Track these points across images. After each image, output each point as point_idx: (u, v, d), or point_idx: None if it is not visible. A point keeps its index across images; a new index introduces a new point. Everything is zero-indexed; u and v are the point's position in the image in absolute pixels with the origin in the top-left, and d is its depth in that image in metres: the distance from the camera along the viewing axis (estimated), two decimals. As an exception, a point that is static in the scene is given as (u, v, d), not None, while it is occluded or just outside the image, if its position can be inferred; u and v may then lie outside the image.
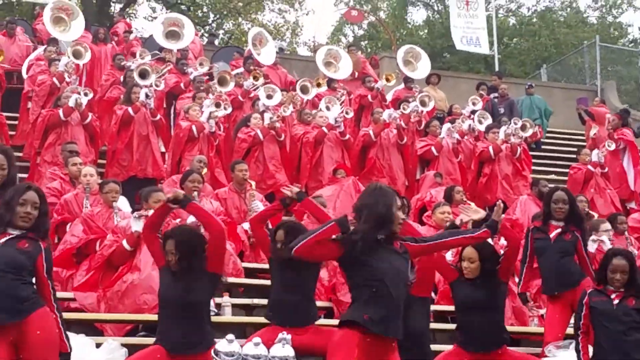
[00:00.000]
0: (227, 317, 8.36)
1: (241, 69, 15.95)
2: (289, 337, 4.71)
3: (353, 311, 5.03)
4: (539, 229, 8.18)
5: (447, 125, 13.93)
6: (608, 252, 7.02)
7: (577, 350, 6.75)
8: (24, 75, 14.77)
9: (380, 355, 5.01)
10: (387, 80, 16.07)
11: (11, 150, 7.07)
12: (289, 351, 4.64)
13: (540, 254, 8.15)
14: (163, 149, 12.49)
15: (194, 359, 5.46)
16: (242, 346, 4.65)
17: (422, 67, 17.06)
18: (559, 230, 8.00)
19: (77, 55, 13.78)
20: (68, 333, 6.21)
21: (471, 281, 6.93)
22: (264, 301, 8.71)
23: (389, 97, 16.45)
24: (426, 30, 38.80)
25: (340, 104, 14.29)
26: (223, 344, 4.61)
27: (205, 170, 10.96)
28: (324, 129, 13.16)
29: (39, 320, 5.47)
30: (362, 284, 5.06)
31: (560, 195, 8.06)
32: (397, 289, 5.14)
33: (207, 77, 15.11)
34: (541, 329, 8.44)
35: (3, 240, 5.52)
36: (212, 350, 4.66)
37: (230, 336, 4.67)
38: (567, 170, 15.18)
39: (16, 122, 13.93)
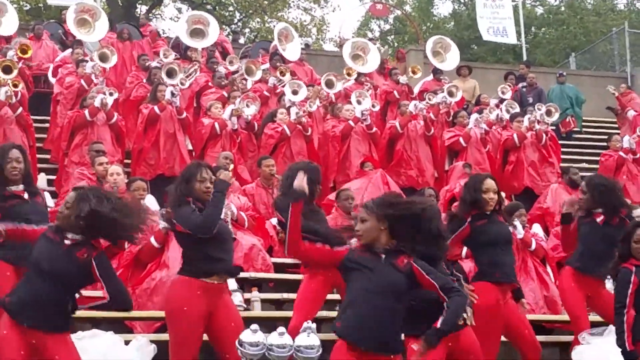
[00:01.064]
0: (257, 312, 8.34)
1: (267, 65, 15.92)
2: (314, 325, 4.67)
3: None
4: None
5: (474, 116, 13.82)
6: (630, 225, 6.82)
7: (621, 330, 6.50)
8: (50, 78, 14.83)
9: None
10: (413, 72, 15.98)
11: (23, 147, 7.18)
12: (315, 340, 4.60)
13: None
14: (190, 147, 12.49)
15: None
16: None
17: (451, 58, 16.99)
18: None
19: (103, 58, 13.81)
20: (97, 331, 6.23)
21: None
22: (293, 296, 8.71)
23: (417, 88, 16.36)
24: (452, 23, 38.61)
25: (368, 98, 14.25)
26: (247, 334, 4.57)
27: (232, 167, 10.92)
28: (351, 122, 13.11)
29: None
30: None
31: None
32: None
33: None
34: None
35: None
36: (237, 340, 4.62)
37: (255, 326, 4.64)
38: (597, 158, 15.01)
39: (44, 125, 13.99)
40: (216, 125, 12.26)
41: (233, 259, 6.36)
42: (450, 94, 14.59)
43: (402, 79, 15.83)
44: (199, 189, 6.13)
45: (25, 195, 6.60)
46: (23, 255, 6.27)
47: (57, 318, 5.44)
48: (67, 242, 5.46)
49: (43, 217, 6.59)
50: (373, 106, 13.63)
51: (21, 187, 6.60)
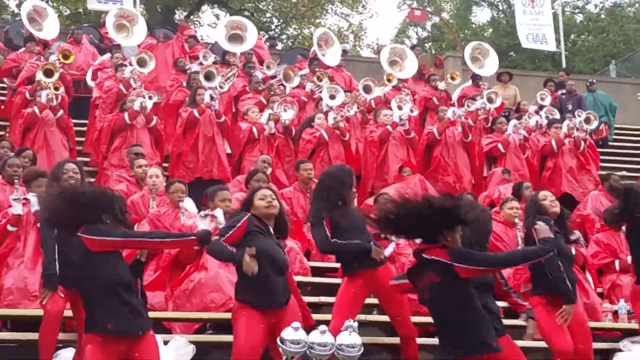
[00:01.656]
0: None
1: (306, 70, 15.93)
2: (355, 324, 4.65)
3: None
4: None
5: (513, 122, 13.73)
6: None
7: None
8: (89, 82, 14.95)
9: None
10: (452, 78, 15.92)
11: (80, 163, 7.38)
12: (356, 339, 4.58)
13: None
14: (229, 151, 12.52)
15: None
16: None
17: (490, 64, 16.89)
18: None
19: (142, 63, 13.89)
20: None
21: None
22: (332, 299, 8.69)
23: (455, 94, 16.28)
24: (491, 30, 38.44)
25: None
26: (289, 332, 4.56)
27: (269, 170, 10.96)
28: (389, 127, 13.07)
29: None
30: None
31: None
32: None
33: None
34: (614, 324, 8.21)
35: None
36: (278, 338, 4.62)
37: (296, 324, 4.63)
38: (638, 166, 14.85)
39: (83, 129, 14.07)
40: (254, 129, 12.28)
41: None
42: (490, 100, 14.51)
43: (441, 85, 15.77)
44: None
45: None
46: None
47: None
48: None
49: None
50: (412, 111, 13.58)
51: None
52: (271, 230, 6.40)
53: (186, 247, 7.60)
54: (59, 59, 13.86)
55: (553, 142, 13.42)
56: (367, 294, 7.24)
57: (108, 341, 5.30)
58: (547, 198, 7.56)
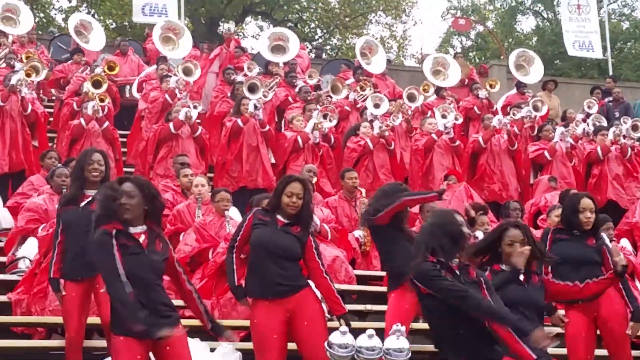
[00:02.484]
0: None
1: (351, 80, 15.91)
2: (403, 328, 4.62)
3: None
4: None
5: (560, 129, 13.61)
6: None
7: None
8: (135, 94, 15.11)
9: None
10: (491, 86, 15.83)
11: (106, 153, 7.38)
12: (404, 343, 4.55)
13: None
14: (273, 160, 12.55)
15: None
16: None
17: (535, 72, 16.76)
18: None
19: (187, 72, 14.00)
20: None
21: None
22: (377, 307, 8.67)
23: (500, 102, 16.19)
24: (536, 38, 38.19)
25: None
26: (336, 336, 4.55)
27: (315, 179, 10.96)
28: (434, 135, 13.03)
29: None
30: None
31: None
32: None
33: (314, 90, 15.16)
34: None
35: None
36: (326, 343, 4.60)
37: (344, 328, 4.62)
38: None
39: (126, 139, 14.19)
40: (299, 138, 12.31)
41: None
42: (536, 108, 14.40)
43: (482, 93, 15.68)
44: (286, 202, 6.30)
45: None
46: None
47: None
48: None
49: None
50: (456, 119, 13.52)
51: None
52: (279, 219, 6.34)
53: None
54: (104, 71, 14.03)
55: (599, 149, 13.27)
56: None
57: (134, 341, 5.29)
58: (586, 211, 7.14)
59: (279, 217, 6.28)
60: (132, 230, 5.38)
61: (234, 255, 6.33)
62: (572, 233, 6.94)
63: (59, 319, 7.34)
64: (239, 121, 12.26)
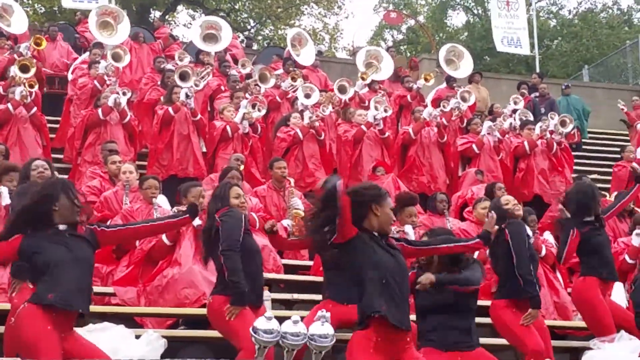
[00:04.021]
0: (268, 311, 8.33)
1: (280, 71, 15.94)
2: (328, 314, 4.66)
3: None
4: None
5: (488, 123, 13.79)
6: None
7: None
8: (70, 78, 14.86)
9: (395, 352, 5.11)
10: (426, 80, 15.98)
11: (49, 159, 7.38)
12: (329, 329, 4.59)
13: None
14: (204, 149, 12.49)
15: None
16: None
17: (465, 66, 16.96)
18: None
19: (116, 58, 13.85)
20: (107, 324, 6.23)
21: None
22: (303, 296, 8.73)
23: (430, 96, 16.35)
24: (466, 33, 38.63)
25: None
26: (261, 322, 4.57)
27: (242, 167, 10.95)
28: (363, 127, 13.12)
29: None
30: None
31: None
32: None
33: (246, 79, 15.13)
34: (583, 324, 8.28)
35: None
36: (251, 328, 4.62)
37: (269, 314, 4.64)
38: (609, 170, 14.97)
39: (57, 126, 13.99)
40: (228, 128, 12.28)
41: None
42: (463, 98, 14.53)
43: (419, 82, 15.82)
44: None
45: None
46: None
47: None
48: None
49: None
50: (385, 111, 13.60)
51: None
52: None
53: (181, 226, 7.60)
54: (31, 46, 13.77)
55: (526, 144, 13.50)
56: None
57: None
58: (510, 202, 7.75)
59: None
60: None
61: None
62: None
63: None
64: (170, 109, 12.17)
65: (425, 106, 14.96)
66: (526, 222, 8.55)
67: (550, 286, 9.43)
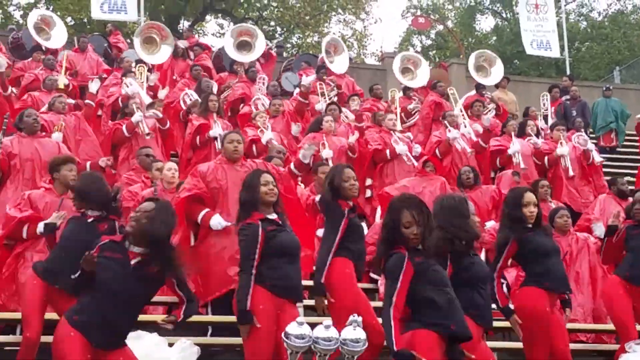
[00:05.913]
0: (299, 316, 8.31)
1: (313, 77, 15.50)
2: (360, 319, 4.64)
3: None
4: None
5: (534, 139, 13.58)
6: None
7: None
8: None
9: None
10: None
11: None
12: (361, 334, 4.58)
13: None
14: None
15: None
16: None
17: (496, 72, 16.83)
18: None
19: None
20: (141, 332, 6.21)
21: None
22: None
23: (460, 103, 16.18)
24: (495, 38, 38.52)
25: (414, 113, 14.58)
26: (293, 327, 4.55)
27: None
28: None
29: None
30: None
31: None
32: None
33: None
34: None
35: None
36: (282, 333, 4.60)
37: (301, 318, 4.62)
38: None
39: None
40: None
41: None
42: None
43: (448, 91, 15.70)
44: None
45: None
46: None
47: (124, 336, 5.48)
48: (132, 260, 5.38)
49: None
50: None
51: None
52: None
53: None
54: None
55: (546, 160, 13.31)
56: None
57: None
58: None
59: None
60: None
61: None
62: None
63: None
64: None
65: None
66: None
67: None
